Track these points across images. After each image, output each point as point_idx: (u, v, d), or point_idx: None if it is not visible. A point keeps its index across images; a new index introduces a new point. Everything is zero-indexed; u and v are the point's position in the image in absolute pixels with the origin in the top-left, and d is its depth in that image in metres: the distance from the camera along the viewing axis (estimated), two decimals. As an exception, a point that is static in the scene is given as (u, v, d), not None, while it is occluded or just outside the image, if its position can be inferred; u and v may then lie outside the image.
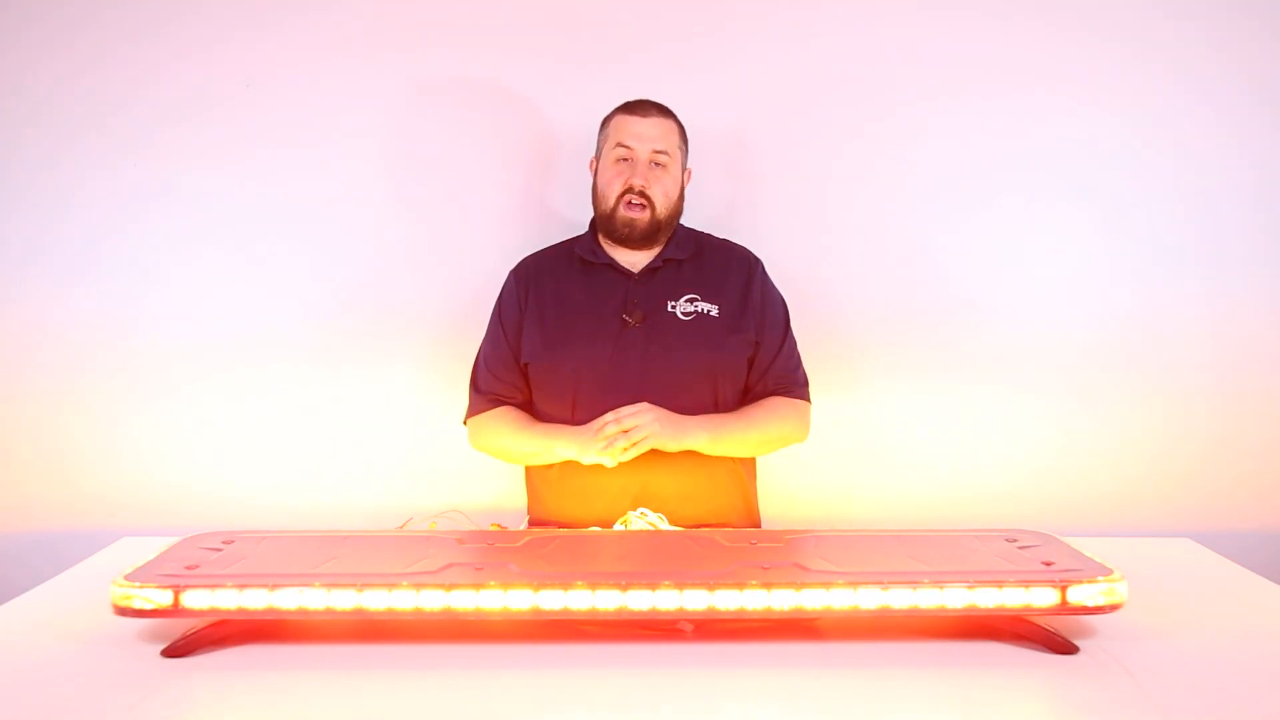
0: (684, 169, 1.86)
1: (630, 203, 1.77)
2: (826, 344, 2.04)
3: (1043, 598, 1.19)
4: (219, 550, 1.34)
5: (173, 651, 1.19)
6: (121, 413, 2.10)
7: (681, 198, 1.84)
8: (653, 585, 1.18)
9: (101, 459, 2.11)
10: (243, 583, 1.19)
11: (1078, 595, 1.19)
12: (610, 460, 1.62)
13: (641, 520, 1.56)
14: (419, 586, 1.19)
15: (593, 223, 1.88)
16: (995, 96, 2.08)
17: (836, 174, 2.11)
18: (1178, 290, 2.10)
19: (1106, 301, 2.11)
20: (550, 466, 1.75)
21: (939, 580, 1.19)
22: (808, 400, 1.85)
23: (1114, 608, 1.19)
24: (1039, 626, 1.21)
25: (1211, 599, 1.41)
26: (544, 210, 2.10)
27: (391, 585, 1.18)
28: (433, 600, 1.18)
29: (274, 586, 1.19)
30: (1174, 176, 2.09)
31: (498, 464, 1.89)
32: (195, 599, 1.18)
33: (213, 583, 1.19)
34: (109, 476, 2.11)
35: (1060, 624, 1.23)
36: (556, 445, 1.70)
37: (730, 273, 1.84)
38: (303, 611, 1.18)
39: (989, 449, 2.12)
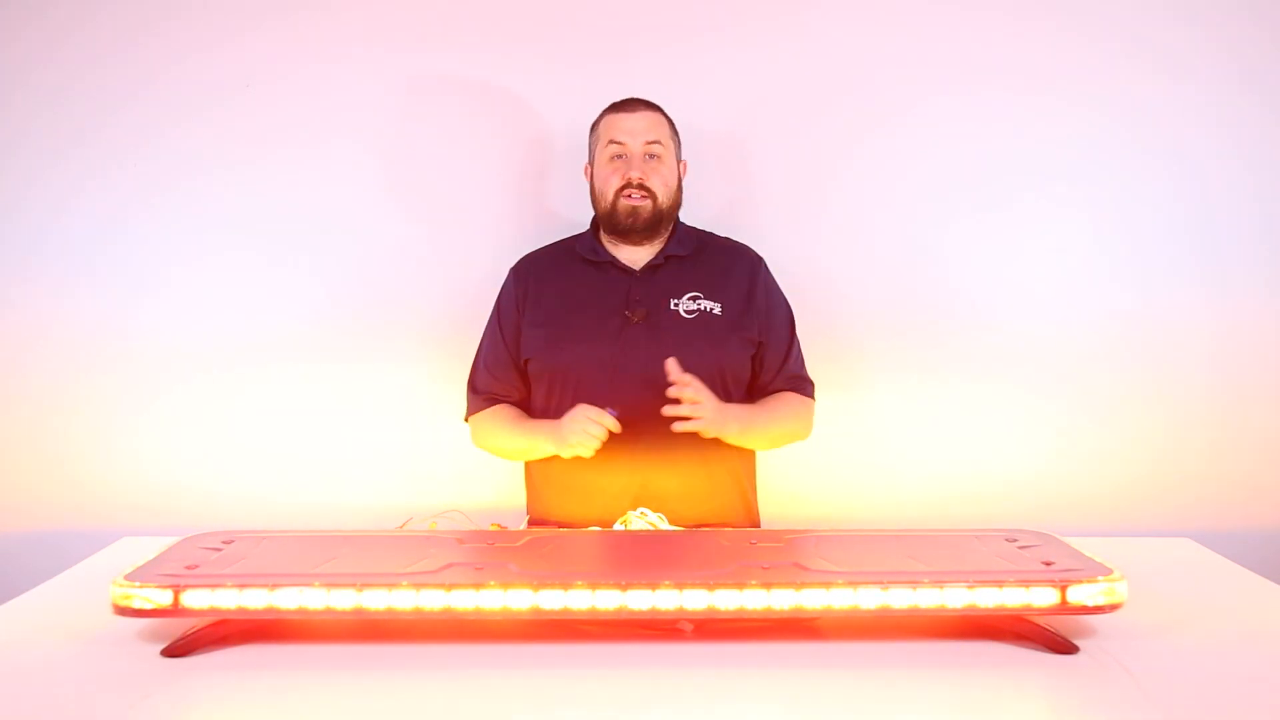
0: (679, 160, 1.86)
1: (630, 195, 1.77)
2: (826, 343, 2.04)
3: (1042, 597, 1.18)
4: (219, 550, 1.34)
5: (173, 651, 1.19)
6: (122, 413, 2.10)
7: (680, 189, 1.84)
8: (653, 585, 1.18)
9: (101, 459, 2.11)
10: (243, 583, 1.19)
11: (1077, 595, 1.18)
12: (586, 451, 1.62)
13: (641, 520, 1.56)
14: (419, 586, 1.18)
15: (594, 222, 1.89)
16: (996, 96, 2.08)
17: (836, 173, 2.11)
18: (1178, 290, 2.10)
19: (1106, 301, 2.11)
20: (550, 465, 1.75)
21: (939, 580, 1.19)
22: (814, 399, 1.86)
23: (1114, 608, 1.19)
24: (1039, 626, 1.21)
25: (1211, 599, 1.41)
26: (544, 210, 2.10)
27: (391, 585, 1.18)
28: (433, 600, 1.18)
29: (274, 586, 1.18)
30: (1174, 176, 2.09)
31: (497, 464, 1.90)
32: (195, 599, 1.18)
33: (213, 583, 1.19)
34: (109, 476, 2.11)
35: (1060, 624, 1.23)
36: (538, 441, 1.71)
37: (733, 271, 1.84)
38: (303, 611, 1.18)
39: (989, 449, 2.12)
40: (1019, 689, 1.13)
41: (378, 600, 1.18)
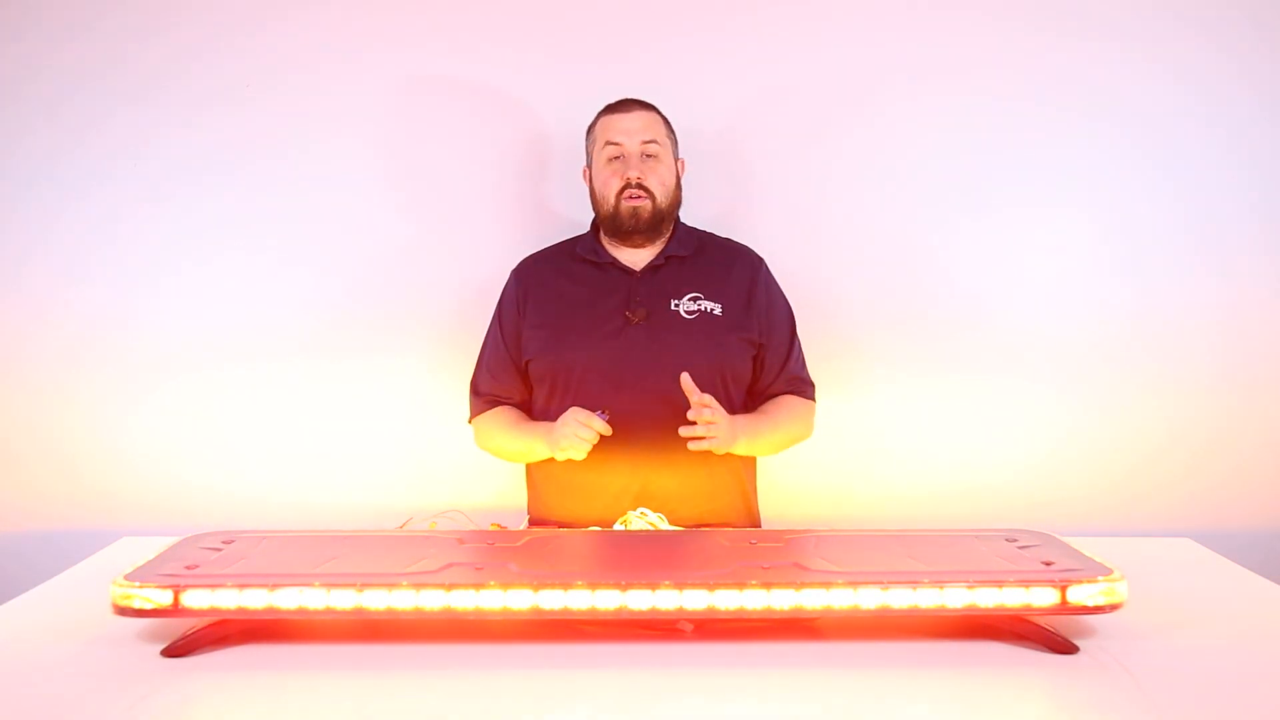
0: (676, 159, 1.86)
1: (630, 195, 1.77)
2: (826, 343, 2.04)
3: (1042, 597, 1.18)
4: (219, 550, 1.33)
5: (173, 651, 1.19)
6: (122, 412, 2.11)
7: (679, 187, 1.84)
8: (653, 585, 1.18)
9: (102, 458, 2.11)
10: (243, 583, 1.19)
11: (1077, 595, 1.18)
12: (578, 454, 1.63)
13: (641, 520, 1.56)
14: (419, 586, 1.18)
15: (594, 223, 1.89)
16: (996, 95, 2.08)
17: (835, 173, 2.12)
18: (1178, 289, 2.10)
19: (1106, 301, 2.11)
20: (551, 465, 1.75)
21: (939, 580, 1.19)
22: (814, 400, 1.87)
23: (1114, 607, 1.19)
24: (1039, 626, 1.21)
25: (1211, 599, 1.41)
26: (544, 210, 2.11)
27: (391, 585, 1.18)
28: (433, 600, 1.18)
29: (274, 586, 1.18)
30: (1173, 175, 2.09)
31: (497, 464, 1.90)
32: (195, 599, 1.18)
33: (213, 583, 1.19)
34: (109, 476, 2.11)
35: (1060, 624, 1.23)
36: (534, 443, 1.72)
37: (734, 272, 1.84)
38: (303, 611, 1.18)
39: (989, 448, 2.12)
40: (1019, 689, 1.13)
41: (378, 600, 1.18)
